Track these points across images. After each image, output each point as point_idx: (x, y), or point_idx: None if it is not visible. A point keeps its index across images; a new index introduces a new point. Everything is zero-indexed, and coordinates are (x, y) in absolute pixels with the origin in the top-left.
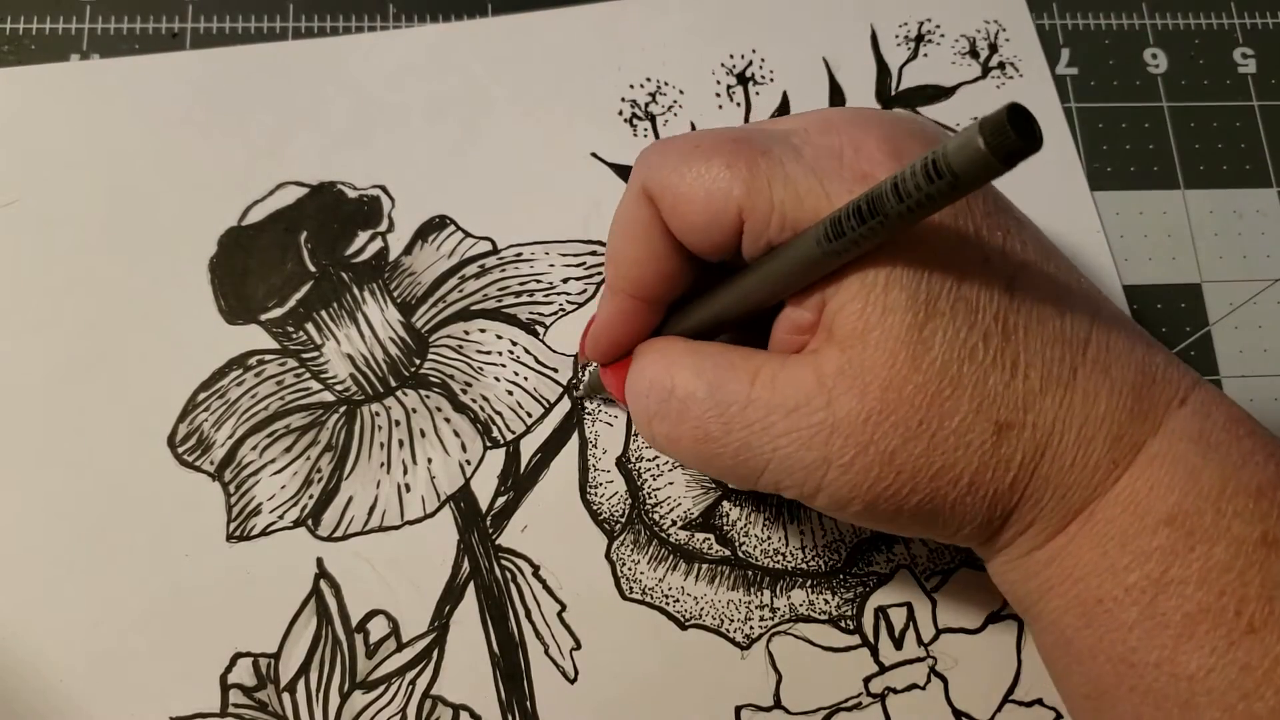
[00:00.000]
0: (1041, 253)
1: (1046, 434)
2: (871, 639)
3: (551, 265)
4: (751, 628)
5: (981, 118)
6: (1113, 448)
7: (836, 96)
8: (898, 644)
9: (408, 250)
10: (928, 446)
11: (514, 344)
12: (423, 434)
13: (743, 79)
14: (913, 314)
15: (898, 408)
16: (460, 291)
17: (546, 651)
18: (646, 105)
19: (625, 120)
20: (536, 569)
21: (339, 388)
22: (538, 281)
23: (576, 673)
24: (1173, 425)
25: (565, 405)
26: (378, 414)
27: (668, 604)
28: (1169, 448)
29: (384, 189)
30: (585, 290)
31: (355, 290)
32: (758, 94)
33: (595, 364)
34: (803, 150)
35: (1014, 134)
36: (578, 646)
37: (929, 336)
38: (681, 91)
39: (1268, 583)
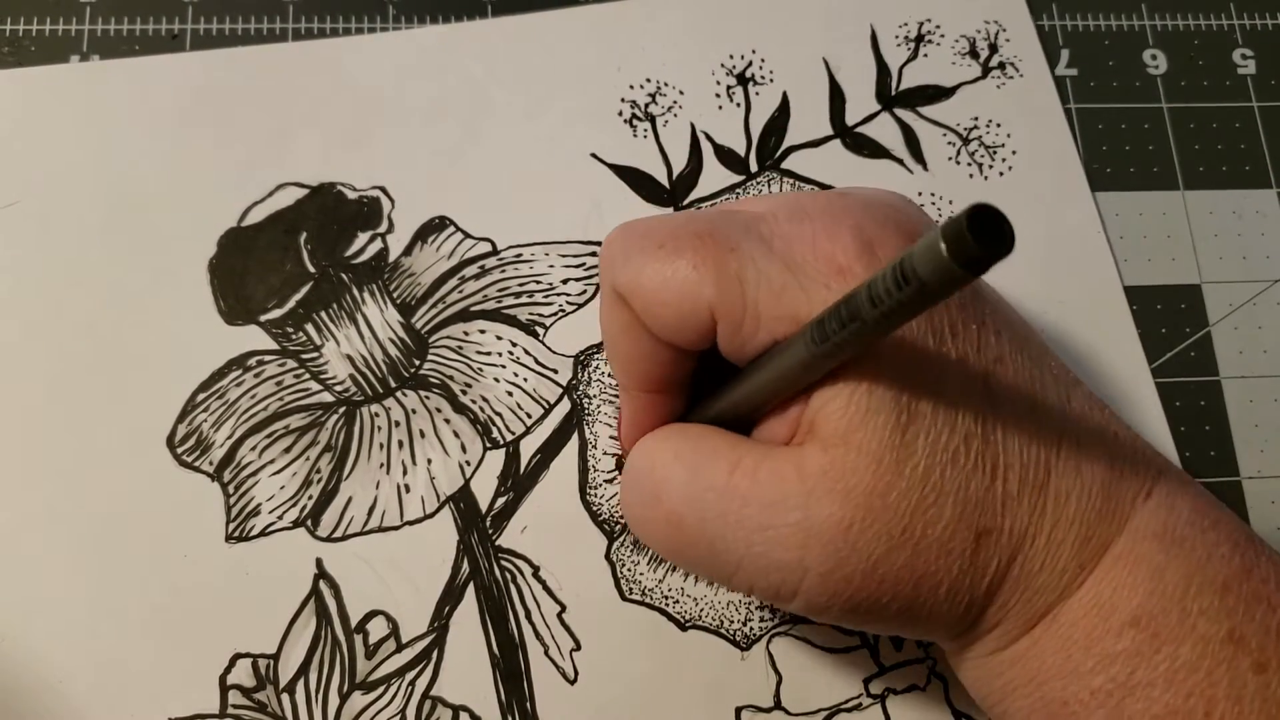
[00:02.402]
0: (1015, 340)
1: (1020, 538)
2: (871, 640)
3: (551, 266)
4: (751, 629)
5: (944, 221)
6: (1080, 550)
7: (836, 97)
8: (898, 645)
9: (407, 251)
10: (911, 555)
11: (514, 345)
12: (422, 435)
13: (742, 79)
14: (895, 416)
15: (881, 515)
16: (460, 292)
17: (546, 652)
18: (646, 105)
19: (625, 120)
20: (536, 570)
21: (338, 388)
22: (537, 282)
23: (576, 674)
24: (1137, 523)
25: (565, 406)
26: (377, 415)
27: (668, 605)
28: (1133, 547)
29: (384, 190)
30: (585, 291)
31: (355, 291)
32: (757, 94)
33: None
34: (772, 241)
35: (973, 241)
36: (578, 647)
37: (911, 440)
38: (681, 92)
39: (1235, 681)
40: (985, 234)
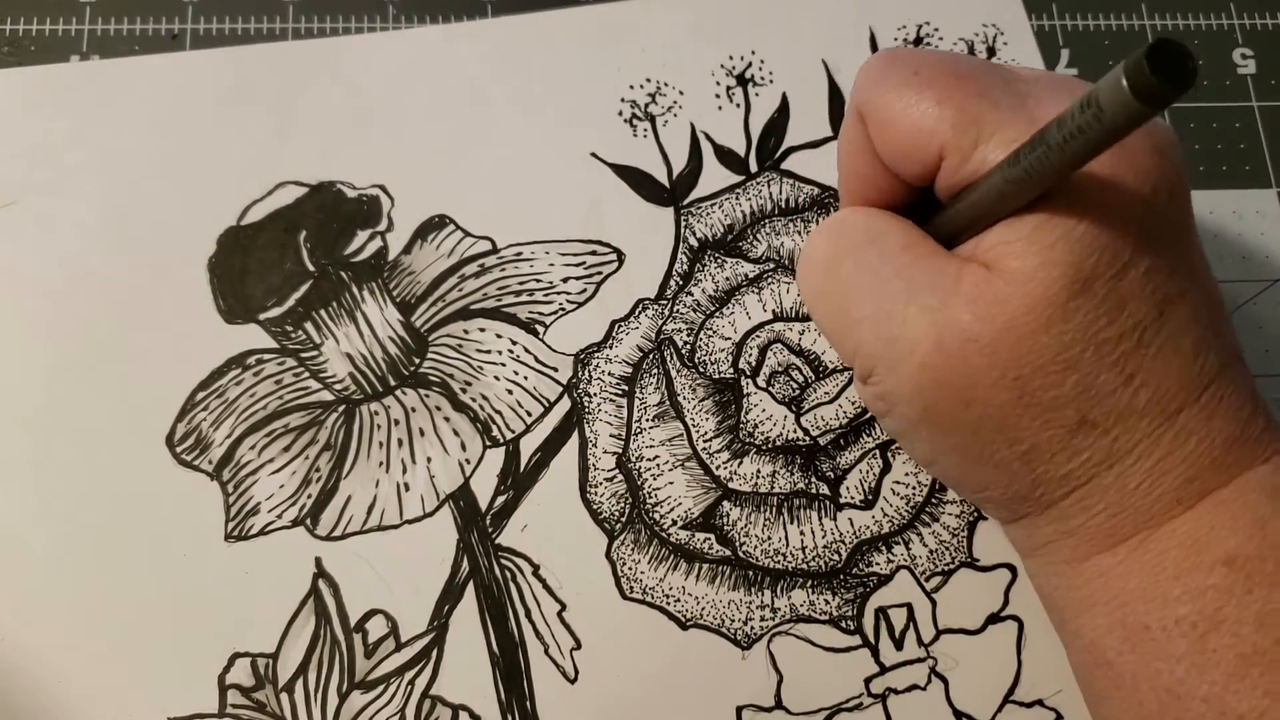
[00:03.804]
0: (1203, 294)
1: (1126, 450)
2: (872, 639)
3: (551, 265)
4: (752, 628)
5: (1128, 57)
6: (1181, 487)
7: (836, 98)
8: (898, 644)
9: (407, 249)
10: (1010, 400)
11: (514, 343)
12: (422, 433)
13: (742, 80)
14: (1069, 279)
15: (1005, 350)
16: (460, 291)
17: (546, 651)
18: (646, 106)
19: (625, 120)
20: (536, 568)
21: (338, 387)
22: (537, 281)
23: (576, 673)
24: (1246, 478)
25: (565, 404)
26: (377, 413)
27: (668, 604)
28: (1240, 495)
29: (383, 188)
30: (585, 290)
31: (354, 289)
32: (757, 95)
33: None
34: (1026, 100)
35: (1151, 74)
36: (578, 646)
37: (1071, 311)
38: (681, 92)
39: None
40: (1166, 70)
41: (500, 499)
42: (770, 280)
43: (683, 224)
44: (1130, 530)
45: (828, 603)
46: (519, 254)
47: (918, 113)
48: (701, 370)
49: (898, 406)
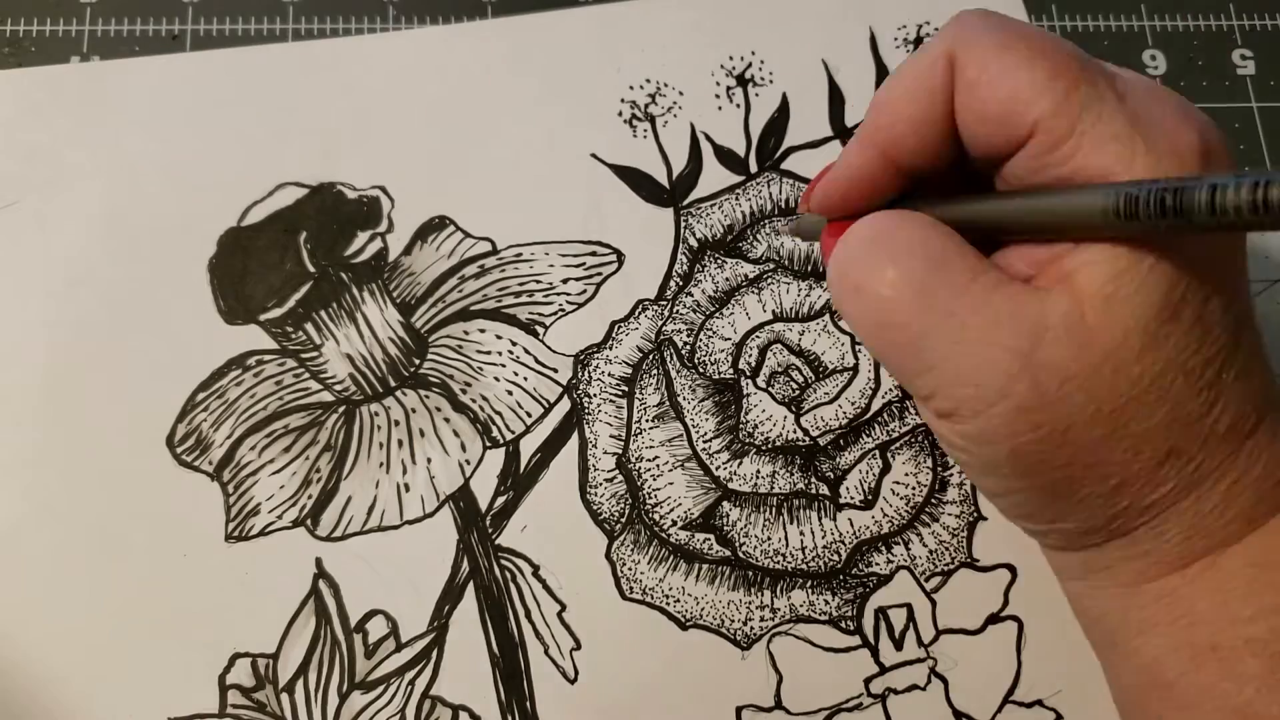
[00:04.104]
0: (1255, 324)
1: (1205, 475)
2: (872, 640)
3: (551, 265)
4: (752, 628)
5: None
6: (1254, 507)
7: (836, 98)
8: (898, 645)
9: (407, 250)
10: (1105, 434)
11: (514, 344)
12: (422, 434)
13: (742, 80)
14: (1161, 305)
15: (1104, 385)
16: (460, 292)
17: (546, 652)
18: (646, 106)
19: (625, 121)
20: (536, 569)
21: (338, 388)
22: (537, 282)
23: (576, 673)
24: None
25: (565, 405)
26: (377, 414)
27: (668, 604)
28: None
29: (383, 189)
30: (585, 290)
31: (354, 290)
32: (757, 95)
33: (808, 215)
34: (1127, 96)
35: None
36: (578, 647)
37: (1164, 337)
38: (681, 93)
39: None
40: None
41: (500, 500)
42: (770, 281)
43: (682, 224)
44: (1201, 551)
45: (827, 603)
46: (519, 255)
47: (1025, 78)
48: (701, 371)
49: (981, 446)
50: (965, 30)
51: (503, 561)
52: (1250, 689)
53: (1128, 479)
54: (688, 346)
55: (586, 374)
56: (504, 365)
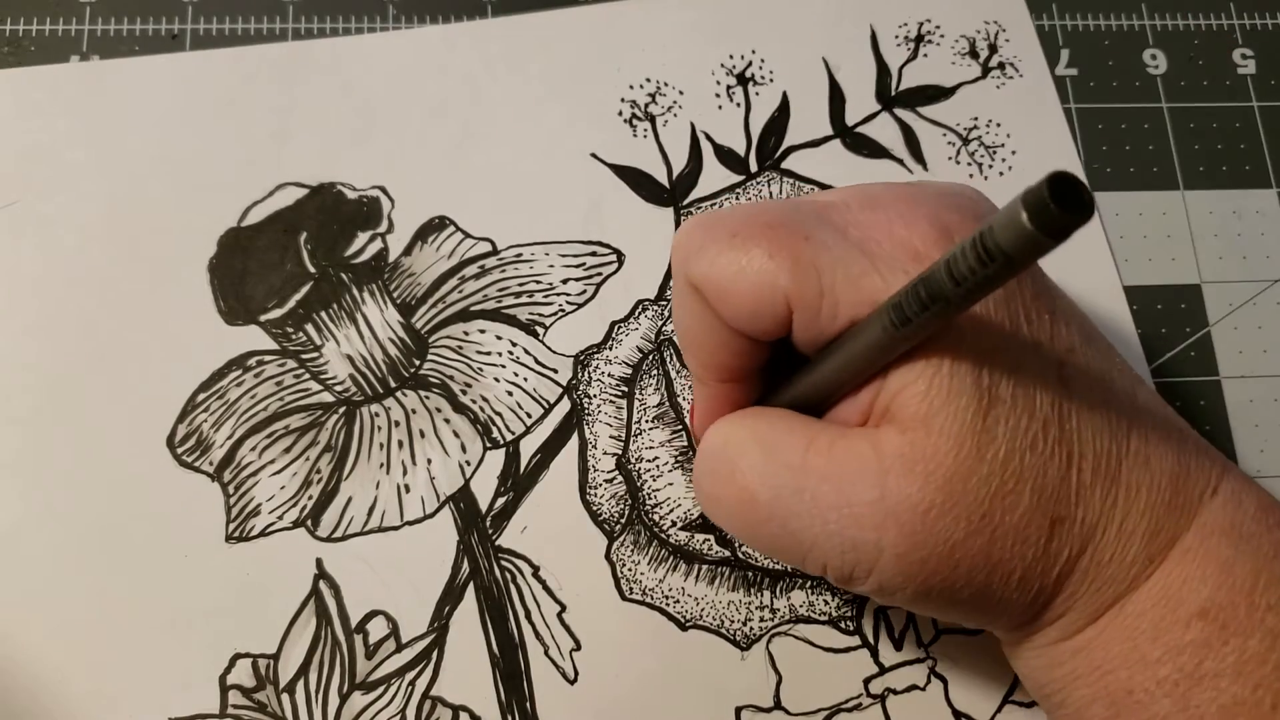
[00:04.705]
0: (1084, 335)
1: (1091, 528)
2: (871, 640)
3: (551, 266)
4: (751, 628)
5: (1023, 191)
6: (1149, 543)
7: (836, 97)
8: (898, 645)
9: (407, 251)
10: (987, 541)
11: (514, 345)
12: (422, 434)
13: (742, 79)
14: (977, 400)
15: (962, 499)
16: (460, 292)
17: (546, 652)
18: (646, 106)
19: (625, 120)
20: (536, 569)
21: (338, 388)
22: (537, 282)
23: (576, 674)
24: (1205, 518)
25: (565, 406)
26: (377, 415)
27: (668, 605)
28: (1201, 542)
29: (384, 190)
30: (585, 291)
31: (355, 291)
32: (757, 94)
33: None
34: (847, 230)
35: (1056, 208)
36: (578, 647)
37: (992, 425)
38: (681, 92)
39: None
40: (1065, 200)
41: (500, 500)
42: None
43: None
44: (1111, 600)
45: (827, 603)
46: (519, 255)
47: (753, 271)
48: None
49: (893, 596)
50: (686, 256)
51: (503, 562)
52: None
53: (1028, 567)
54: None
55: (586, 374)
56: (504, 366)
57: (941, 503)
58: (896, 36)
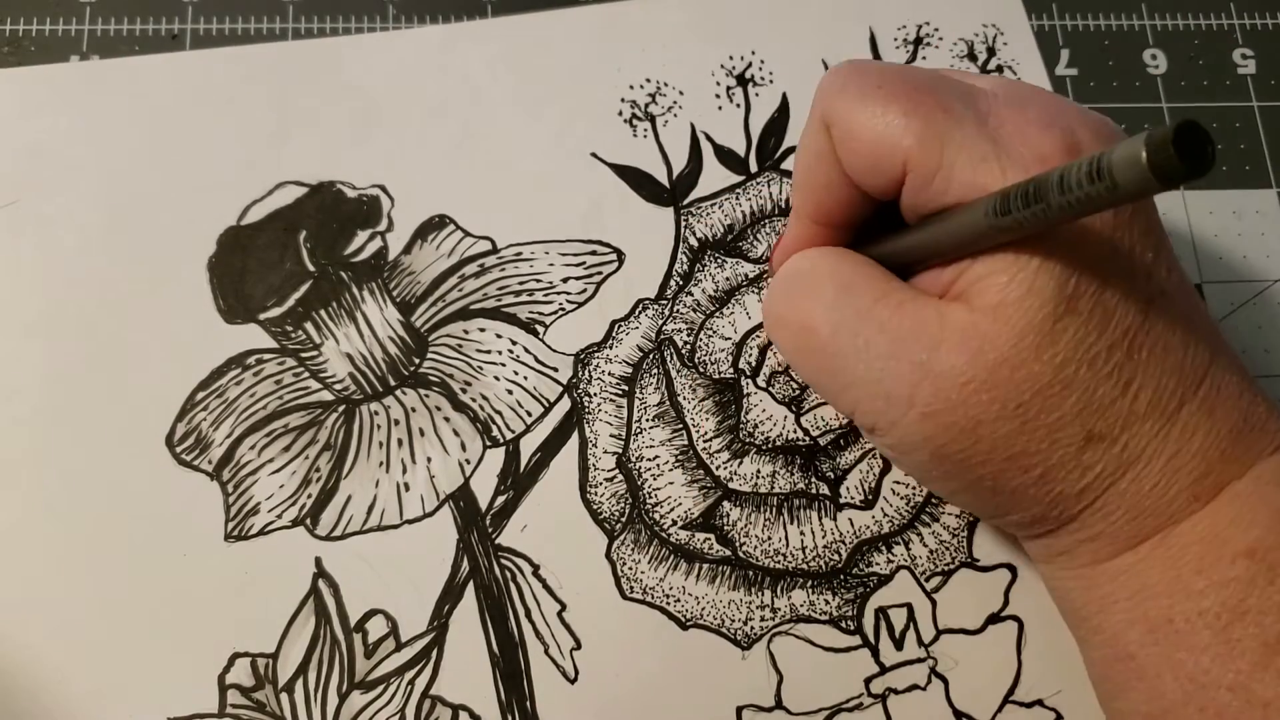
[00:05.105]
0: (1180, 285)
1: (1135, 455)
2: (872, 639)
3: (551, 265)
4: (752, 628)
5: (1152, 130)
6: (1196, 483)
7: None
8: (898, 644)
9: (407, 249)
10: (1015, 429)
11: (514, 343)
12: (422, 433)
13: (742, 80)
14: (1053, 304)
15: (1002, 384)
16: (460, 291)
17: (546, 651)
18: (646, 106)
19: (625, 120)
20: (536, 568)
21: (338, 387)
22: (537, 281)
23: (576, 673)
24: (1260, 470)
25: (565, 404)
26: (376, 413)
27: (668, 604)
28: (1255, 489)
29: (383, 188)
30: (585, 290)
31: (354, 289)
32: (757, 95)
33: None
34: (987, 117)
35: (1176, 157)
36: (578, 646)
37: (1060, 332)
38: (681, 92)
39: None
40: (1187, 150)
41: (500, 499)
42: (771, 280)
43: (683, 224)
44: (1151, 529)
45: (828, 603)
46: (519, 254)
47: (883, 125)
48: (701, 370)
49: (908, 454)
50: (828, 92)
51: (503, 561)
52: (1206, 658)
53: (1051, 467)
54: (688, 346)
55: (586, 373)
56: (504, 364)
57: (982, 380)
58: (895, 38)
